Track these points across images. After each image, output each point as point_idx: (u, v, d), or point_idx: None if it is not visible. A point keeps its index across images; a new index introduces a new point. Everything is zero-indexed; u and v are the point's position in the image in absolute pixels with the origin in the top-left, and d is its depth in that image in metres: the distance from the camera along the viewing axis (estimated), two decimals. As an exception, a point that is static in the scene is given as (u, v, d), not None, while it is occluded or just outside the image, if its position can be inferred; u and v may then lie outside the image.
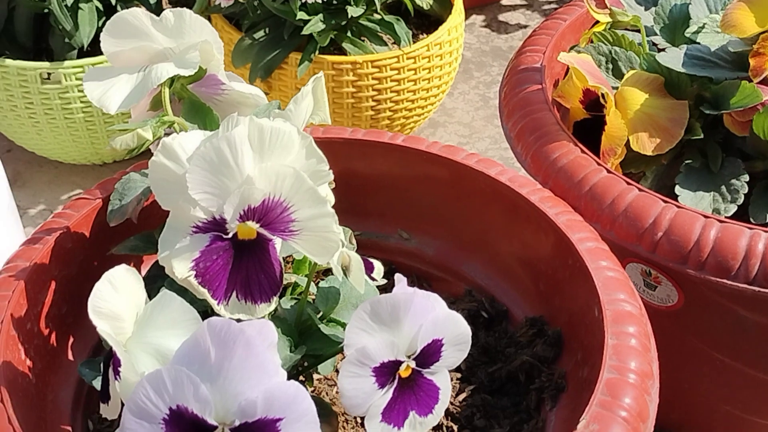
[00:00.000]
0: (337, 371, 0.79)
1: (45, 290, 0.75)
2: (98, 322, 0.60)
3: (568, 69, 1.00)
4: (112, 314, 0.61)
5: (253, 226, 0.64)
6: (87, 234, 0.79)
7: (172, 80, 0.76)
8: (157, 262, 0.74)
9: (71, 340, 0.77)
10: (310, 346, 0.71)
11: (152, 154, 0.66)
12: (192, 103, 0.78)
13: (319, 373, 0.75)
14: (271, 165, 0.63)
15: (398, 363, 0.63)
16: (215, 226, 0.65)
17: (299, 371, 0.72)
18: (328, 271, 0.77)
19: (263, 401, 0.56)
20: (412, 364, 0.63)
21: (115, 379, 0.61)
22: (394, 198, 0.89)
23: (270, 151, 0.64)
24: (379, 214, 0.89)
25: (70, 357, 0.77)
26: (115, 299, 0.61)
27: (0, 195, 0.96)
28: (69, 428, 0.72)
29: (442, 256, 0.88)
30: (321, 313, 0.73)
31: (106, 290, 0.61)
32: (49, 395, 0.73)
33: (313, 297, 0.74)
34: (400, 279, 0.64)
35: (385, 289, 0.67)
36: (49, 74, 1.37)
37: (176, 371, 0.56)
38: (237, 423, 0.56)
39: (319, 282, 0.75)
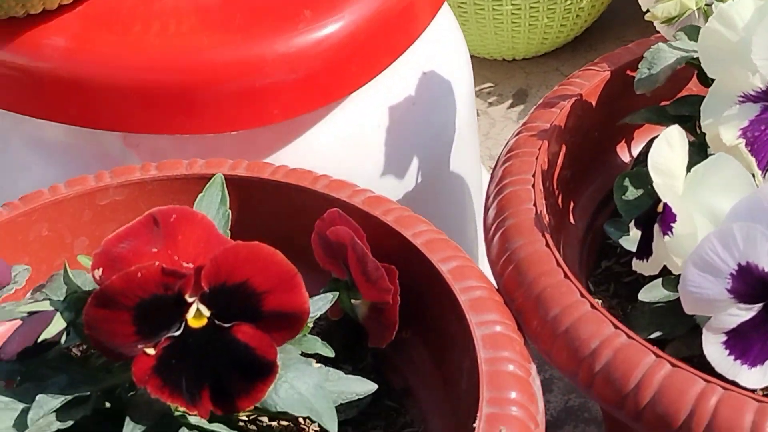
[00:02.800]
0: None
1: (558, 153, 0.77)
2: (655, 177, 0.62)
3: None
4: (667, 170, 0.62)
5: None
6: (593, 104, 0.81)
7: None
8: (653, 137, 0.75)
9: (572, 204, 0.80)
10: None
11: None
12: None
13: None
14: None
15: None
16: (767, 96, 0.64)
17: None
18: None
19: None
20: None
21: (664, 234, 0.62)
22: None
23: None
24: None
25: (572, 221, 0.79)
26: (670, 156, 0.62)
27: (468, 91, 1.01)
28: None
29: None
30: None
31: (663, 147, 0.62)
32: (561, 252, 0.75)
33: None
34: None
35: None
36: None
37: (749, 228, 0.56)
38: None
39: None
